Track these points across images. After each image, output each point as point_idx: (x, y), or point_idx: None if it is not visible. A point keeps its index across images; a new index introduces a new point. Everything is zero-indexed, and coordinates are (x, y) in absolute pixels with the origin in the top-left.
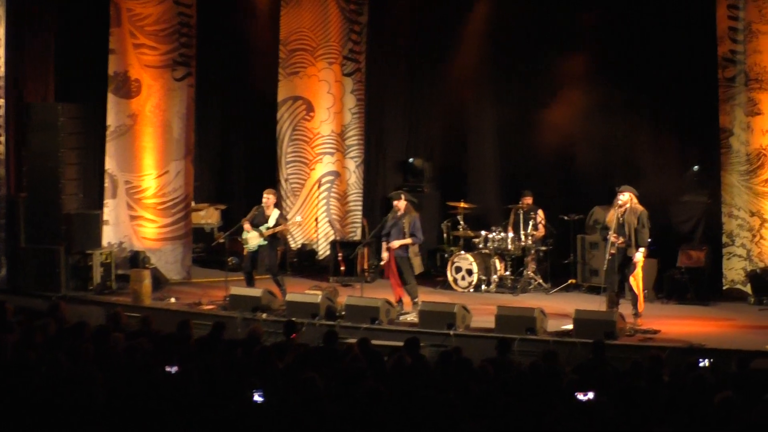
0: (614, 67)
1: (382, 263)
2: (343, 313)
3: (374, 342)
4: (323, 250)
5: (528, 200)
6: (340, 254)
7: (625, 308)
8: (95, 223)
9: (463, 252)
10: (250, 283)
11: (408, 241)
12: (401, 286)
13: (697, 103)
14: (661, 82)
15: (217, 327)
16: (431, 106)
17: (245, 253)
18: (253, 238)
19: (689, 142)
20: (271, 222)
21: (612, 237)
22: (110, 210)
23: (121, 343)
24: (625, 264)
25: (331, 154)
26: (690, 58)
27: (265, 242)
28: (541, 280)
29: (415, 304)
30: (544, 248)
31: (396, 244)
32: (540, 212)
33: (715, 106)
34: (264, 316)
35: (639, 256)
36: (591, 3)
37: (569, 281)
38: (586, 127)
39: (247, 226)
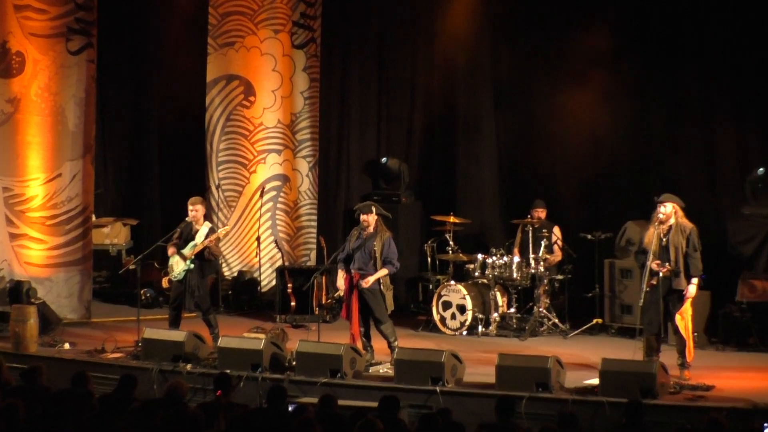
0: (650, 39)
1: (336, 294)
2: (294, 363)
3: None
4: (267, 279)
5: (540, 213)
6: (289, 285)
7: (668, 357)
8: None
9: (453, 282)
10: (174, 323)
11: (383, 272)
12: (363, 327)
13: (762, 85)
14: (711, 58)
15: (126, 382)
16: (411, 90)
17: (165, 283)
18: (176, 264)
19: (751, 137)
20: (199, 239)
21: (653, 264)
22: None
23: None
24: (669, 298)
25: (278, 152)
26: (750, 22)
27: (191, 266)
28: (556, 320)
29: (392, 349)
30: (560, 277)
31: (370, 280)
32: (556, 230)
33: None
34: (188, 367)
35: (692, 289)
36: None
37: (594, 321)
38: (614, 118)
39: (170, 249)
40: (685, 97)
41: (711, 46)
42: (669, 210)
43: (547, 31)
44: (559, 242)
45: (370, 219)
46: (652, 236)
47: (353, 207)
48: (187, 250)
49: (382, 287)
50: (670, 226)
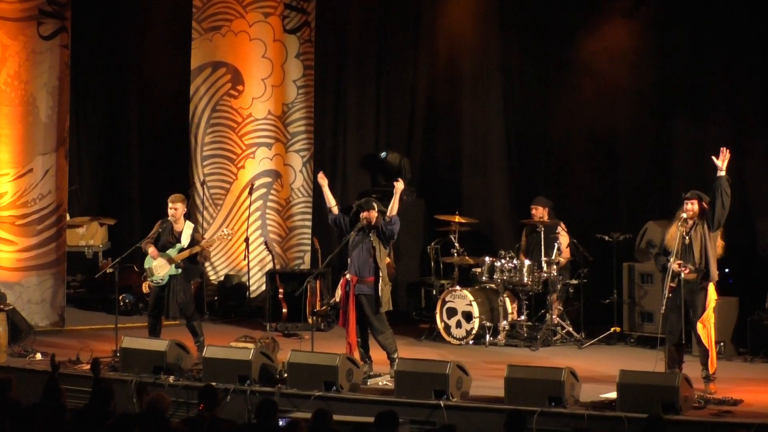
0: (673, 16)
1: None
2: (286, 375)
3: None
4: (257, 284)
5: (539, 212)
6: (280, 290)
7: (692, 368)
8: None
9: (458, 287)
10: (153, 332)
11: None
12: (360, 337)
13: None
14: (739, 52)
15: (102, 395)
16: (412, 78)
17: (146, 288)
18: (160, 267)
19: None
20: (185, 240)
21: (674, 264)
22: None
23: None
24: (694, 297)
25: (269, 145)
26: None
27: (178, 271)
28: (570, 329)
29: (392, 361)
30: (575, 282)
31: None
32: (561, 228)
33: None
34: (170, 379)
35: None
36: None
37: (611, 330)
38: (633, 107)
39: (151, 249)
40: (711, 90)
41: (738, 39)
42: (696, 208)
43: (559, 19)
44: (567, 241)
45: (371, 216)
46: (674, 234)
47: (353, 204)
48: (173, 253)
49: (379, 288)
50: (695, 222)
